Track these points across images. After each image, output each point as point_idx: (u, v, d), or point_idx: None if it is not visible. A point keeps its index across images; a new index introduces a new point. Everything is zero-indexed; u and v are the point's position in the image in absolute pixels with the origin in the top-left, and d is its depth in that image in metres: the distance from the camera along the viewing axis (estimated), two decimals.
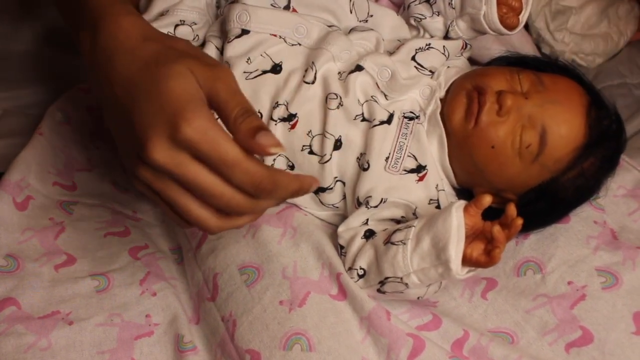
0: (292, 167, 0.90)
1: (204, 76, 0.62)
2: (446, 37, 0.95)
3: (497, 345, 0.83)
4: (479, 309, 0.88)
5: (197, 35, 0.92)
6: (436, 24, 0.94)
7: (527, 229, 0.90)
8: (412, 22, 0.96)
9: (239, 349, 0.82)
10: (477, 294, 0.89)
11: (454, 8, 0.93)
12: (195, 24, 0.92)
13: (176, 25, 0.90)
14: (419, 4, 0.95)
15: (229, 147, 0.59)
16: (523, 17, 0.92)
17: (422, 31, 0.95)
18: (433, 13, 0.94)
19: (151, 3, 0.93)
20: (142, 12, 0.94)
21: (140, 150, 0.60)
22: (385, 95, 0.89)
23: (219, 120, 0.61)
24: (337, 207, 0.92)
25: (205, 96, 0.61)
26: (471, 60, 1.03)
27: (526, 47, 1.19)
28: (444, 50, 0.93)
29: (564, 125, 0.85)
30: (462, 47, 0.95)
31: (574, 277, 0.87)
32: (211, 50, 0.89)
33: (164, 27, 0.90)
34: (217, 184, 0.61)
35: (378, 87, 0.89)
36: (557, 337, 0.84)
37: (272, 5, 0.91)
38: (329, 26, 0.91)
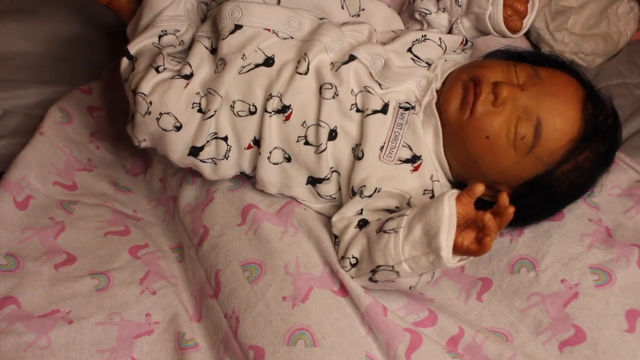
0: (288, 160, 0.90)
1: None
2: (449, 33, 0.95)
3: (492, 343, 0.83)
4: (475, 310, 0.89)
5: (182, 40, 0.94)
6: (441, 20, 0.95)
7: (521, 223, 0.90)
8: (417, 16, 0.96)
9: (243, 345, 0.82)
10: (473, 296, 0.90)
11: (460, 6, 0.93)
12: (178, 30, 0.94)
13: (160, 36, 0.94)
14: None
15: None
16: (527, 22, 0.93)
17: (425, 26, 0.96)
18: (439, 9, 0.95)
19: (140, 16, 0.95)
20: (134, 26, 0.97)
21: None
22: (380, 85, 0.89)
23: None
24: (334, 199, 0.93)
25: None
26: None
27: None
28: (440, 42, 0.93)
29: (559, 118, 0.85)
30: (462, 43, 0.95)
31: (567, 275, 0.87)
32: (200, 50, 0.90)
33: (149, 38, 0.93)
34: None
35: (372, 76, 0.89)
36: (550, 336, 0.84)
37: (263, 1, 0.92)
38: (320, 19, 0.92)
